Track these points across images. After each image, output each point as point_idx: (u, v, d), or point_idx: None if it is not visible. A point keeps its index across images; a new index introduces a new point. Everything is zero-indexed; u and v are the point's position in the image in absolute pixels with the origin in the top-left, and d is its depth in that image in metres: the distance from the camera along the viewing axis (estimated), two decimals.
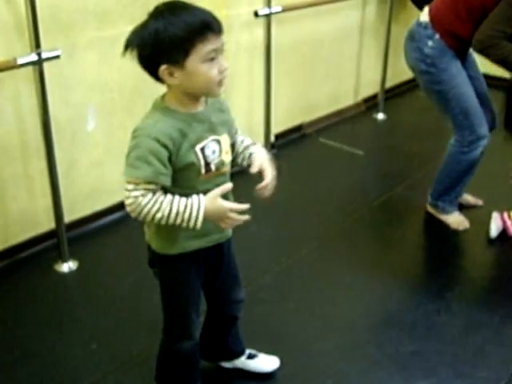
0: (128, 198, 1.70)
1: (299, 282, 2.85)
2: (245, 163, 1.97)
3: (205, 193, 1.75)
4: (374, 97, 4.93)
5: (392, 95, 5.08)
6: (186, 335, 2.05)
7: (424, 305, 2.72)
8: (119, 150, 3.21)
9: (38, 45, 2.58)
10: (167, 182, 1.72)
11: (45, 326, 2.59)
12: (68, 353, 2.45)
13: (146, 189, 1.69)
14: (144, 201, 1.69)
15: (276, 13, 3.62)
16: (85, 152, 3.13)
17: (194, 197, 1.73)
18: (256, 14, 3.52)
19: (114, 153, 3.22)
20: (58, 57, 2.65)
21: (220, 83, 1.70)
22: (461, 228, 3.26)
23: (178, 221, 1.71)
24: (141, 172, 1.67)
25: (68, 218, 3.02)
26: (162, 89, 1.90)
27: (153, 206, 1.69)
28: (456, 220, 3.29)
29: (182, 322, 2.04)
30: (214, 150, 1.78)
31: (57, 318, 2.64)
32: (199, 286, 2.01)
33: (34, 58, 2.58)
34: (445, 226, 3.26)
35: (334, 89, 4.67)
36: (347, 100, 4.85)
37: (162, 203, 1.69)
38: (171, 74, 1.66)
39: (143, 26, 1.65)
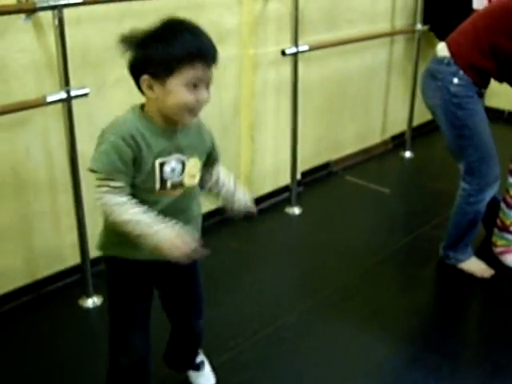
0: (96, 193, 1.72)
1: (323, 322, 2.83)
2: (222, 194, 2.03)
3: (158, 204, 1.78)
4: (402, 135, 4.93)
5: (419, 133, 5.06)
6: (123, 350, 2.01)
7: (450, 346, 2.67)
8: None
9: (67, 82, 2.62)
10: (126, 181, 1.71)
11: (67, 360, 2.59)
12: None
13: (109, 186, 1.69)
14: (112, 200, 1.70)
15: (303, 51, 3.64)
16: None
17: (162, 228, 1.71)
18: (283, 53, 3.55)
19: None
20: (86, 94, 2.69)
21: (192, 111, 1.70)
22: (486, 275, 3.14)
23: (134, 234, 1.72)
24: (99, 164, 1.69)
25: (94, 253, 3.03)
26: None
27: (121, 212, 1.70)
28: (479, 268, 3.17)
29: (120, 335, 2.01)
30: (174, 169, 1.77)
31: (79, 352, 2.64)
32: (145, 299, 1.99)
33: (63, 95, 2.62)
34: None
35: (362, 127, 4.67)
36: (374, 138, 4.85)
37: (128, 214, 1.70)
38: (150, 87, 1.69)
39: (144, 33, 1.68)
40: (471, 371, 2.53)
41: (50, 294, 3.03)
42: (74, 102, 2.67)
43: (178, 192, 1.82)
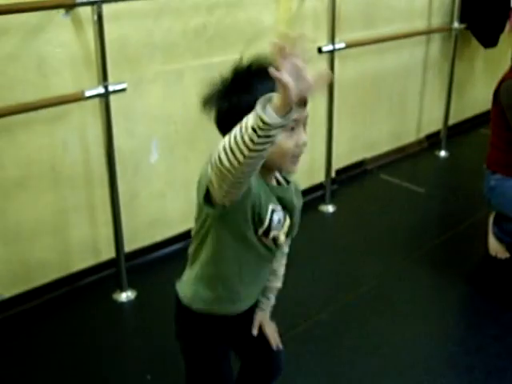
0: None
1: (356, 320, 2.82)
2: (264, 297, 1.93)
3: (245, 256, 1.62)
4: (437, 134, 4.88)
5: (455, 132, 5.02)
6: None
7: (484, 348, 2.64)
8: (180, 183, 3.29)
9: (105, 78, 2.64)
10: None
11: (99, 354, 2.62)
12: (121, 382, 2.46)
13: None
14: None
15: (339, 49, 3.63)
16: (147, 183, 3.17)
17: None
18: (320, 50, 3.53)
19: (175, 185, 3.26)
20: (124, 90, 2.71)
21: (294, 157, 1.52)
22: (498, 256, 3.30)
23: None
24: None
25: (128, 247, 3.05)
26: None
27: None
28: (496, 247, 3.33)
29: None
30: (280, 220, 1.60)
31: (112, 346, 2.66)
32: (228, 353, 1.85)
33: (101, 90, 2.65)
34: (509, 267, 3.19)
35: (397, 125, 4.64)
36: (409, 137, 4.81)
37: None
38: None
39: (224, 84, 1.51)
40: (504, 374, 2.50)
41: (85, 288, 3.06)
42: (112, 97, 2.70)
43: (270, 246, 1.65)
